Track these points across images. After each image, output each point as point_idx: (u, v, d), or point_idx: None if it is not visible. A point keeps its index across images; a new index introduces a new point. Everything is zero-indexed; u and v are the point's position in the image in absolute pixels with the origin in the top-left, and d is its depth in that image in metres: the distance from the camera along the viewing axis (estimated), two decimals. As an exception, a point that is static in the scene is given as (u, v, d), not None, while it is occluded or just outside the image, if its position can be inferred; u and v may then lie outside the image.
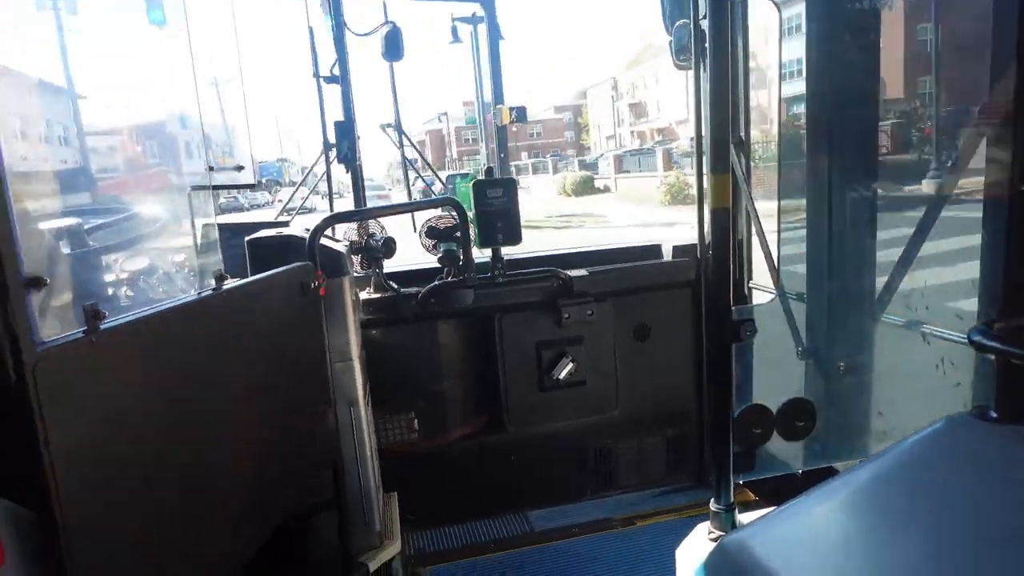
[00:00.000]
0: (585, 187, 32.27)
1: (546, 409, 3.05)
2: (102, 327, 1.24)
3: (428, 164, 3.42)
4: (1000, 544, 0.88)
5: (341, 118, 2.90)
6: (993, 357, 1.09)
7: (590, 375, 3.05)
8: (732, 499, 1.68)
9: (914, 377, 2.10)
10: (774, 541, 1.08)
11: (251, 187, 2.12)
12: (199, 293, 1.58)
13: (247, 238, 2.21)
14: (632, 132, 58.94)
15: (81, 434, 1.19)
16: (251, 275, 2.16)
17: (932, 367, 1.91)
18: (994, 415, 1.05)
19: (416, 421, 2.93)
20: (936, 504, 0.98)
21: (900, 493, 1.04)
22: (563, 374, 3.01)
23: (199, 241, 2.19)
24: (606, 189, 32.51)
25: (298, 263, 2.06)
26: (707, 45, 2.12)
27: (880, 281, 2.33)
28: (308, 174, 3.20)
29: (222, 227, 2.53)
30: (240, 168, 1.94)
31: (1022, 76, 1.80)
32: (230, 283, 1.71)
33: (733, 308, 1.62)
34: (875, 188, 2.59)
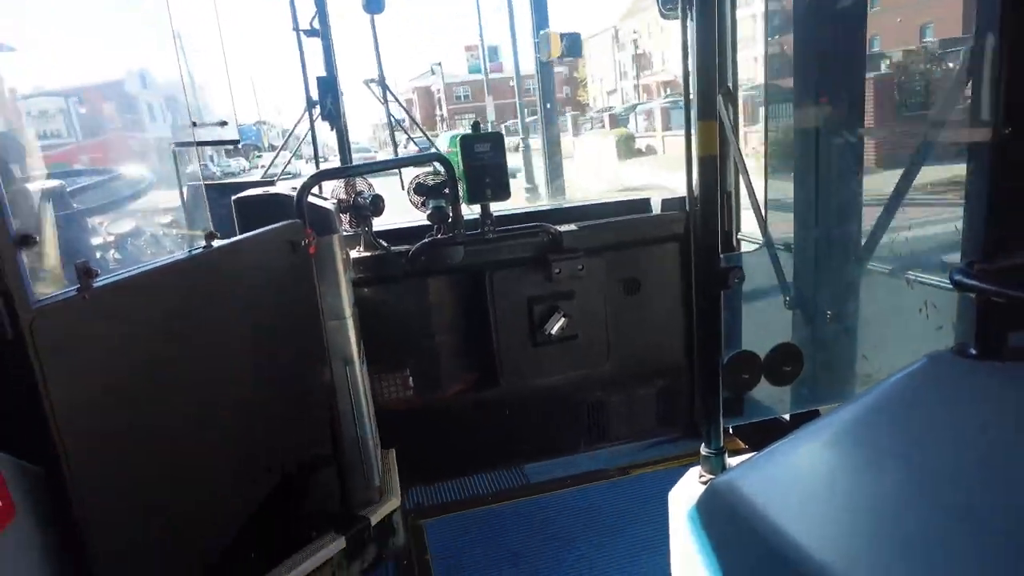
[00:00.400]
0: (628, 149, 24.83)
1: (539, 363, 3.08)
2: (95, 285, 1.24)
3: (415, 122, 3.37)
4: (981, 478, 0.91)
5: (323, 73, 2.84)
6: (973, 296, 1.12)
7: (582, 329, 3.09)
8: (722, 443, 1.73)
9: (898, 321, 2.15)
10: (761, 481, 1.12)
11: (235, 143, 2.09)
12: (189, 251, 1.57)
13: (234, 197, 2.19)
14: (636, 86, 53.56)
15: (82, 390, 1.20)
16: (240, 234, 2.15)
17: (915, 311, 1.95)
18: (973, 352, 1.08)
19: (411, 378, 2.96)
20: (917, 440, 1.02)
21: (882, 431, 1.08)
22: (555, 329, 3.03)
23: (186, 201, 2.16)
24: (650, 150, 25.56)
25: (287, 221, 2.05)
26: None
27: (866, 229, 2.36)
28: (290, 135, 3.15)
29: (208, 187, 2.51)
30: (224, 123, 1.91)
31: (1006, 20, 1.79)
32: (220, 242, 1.70)
33: (721, 256, 1.64)
34: (861, 136, 2.59)
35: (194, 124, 1.74)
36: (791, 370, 1.89)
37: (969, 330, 1.15)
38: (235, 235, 2.10)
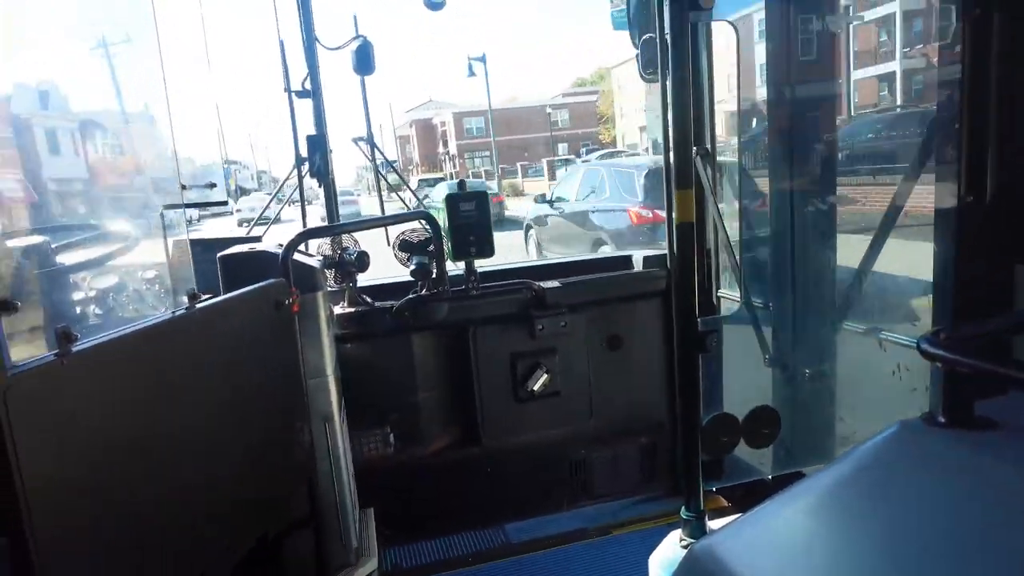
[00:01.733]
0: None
1: (521, 420, 3.07)
2: (74, 349, 1.24)
3: (402, 178, 3.43)
4: (950, 545, 0.93)
5: (313, 132, 2.90)
6: (939, 365, 1.15)
7: (564, 385, 3.09)
8: (702, 506, 1.73)
9: (873, 383, 2.18)
10: (742, 546, 1.12)
11: (223, 204, 2.12)
12: (172, 312, 1.58)
13: (219, 254, 2.20)
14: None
15: (54, 458, 1.18)
16: (224, 291, 2.15)
17: (889, 373, 1.99)
18: (941, 420, 1.11)
19: (392, 435, 2.92)
20: (891, 508, 1.04)
21: (858, 496, 1.10)
22: (538, 385, 3.03)
23: (171, 258, 2.17)
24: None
25: (271, 280, 2.06)
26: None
27: (840, 291, 2.42)
28: (280, 188, 3.18)
29: (194, 243, 2.52)
30: (212, 185, 1.94)
31: (967, 93, 1.90)
32: (203, 302, 1.71)
33: (699, 319, 1.67)
34: (834, 200, 2.68)
35: (183, 187, 1.77)
36: (769, 433, 1.91)
37: (940, 396, 1.18)
38: (220, 292, 2.11)
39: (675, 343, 1.85)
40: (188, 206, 1.79)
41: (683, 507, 1.74)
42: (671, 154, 2.29)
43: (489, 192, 3.21)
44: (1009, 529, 0.89)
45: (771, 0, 2.71)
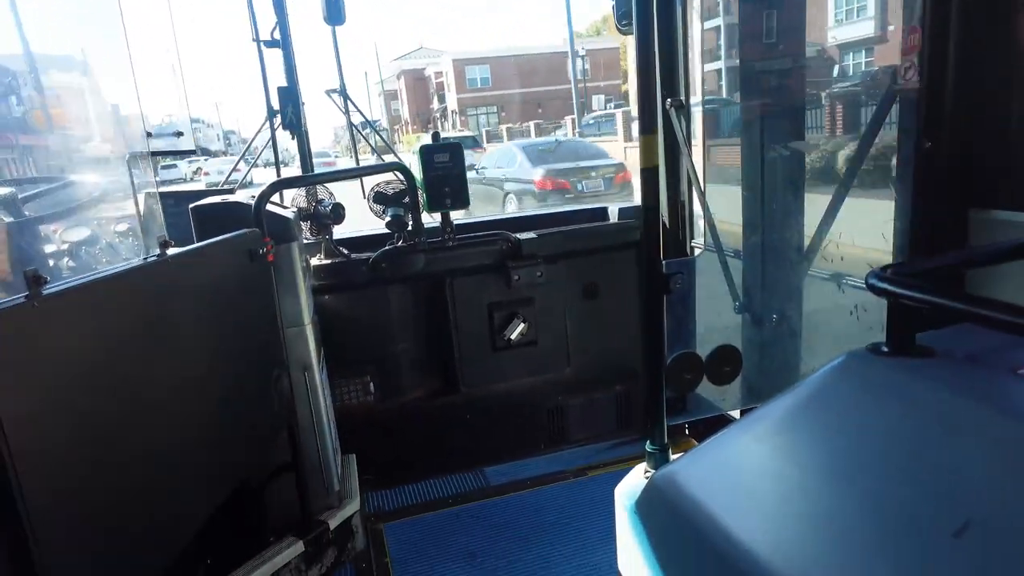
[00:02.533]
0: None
1: (499, 369, 3.14)
2: (44, 292, 1.25)
3: (378, 133, 3.41)
4: (895, 466, 1.00)
5: (284, 83, 2.86)
6: (884, 298, 1.21)
7: (541, 335, 3.15)
8: (666, 440, 1.81)
9: (833, 323, 2.26)
10: (699, 473, 1.20)
11: (191, 153, 2.10)
12: (144, 259, 1.59)
13: (191, 205, 2.20)
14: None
15: (29, 401, 1.21)
16: (197, 242, 2.16)
17: (847, 313, 2.07)
18: (885, 349, 1.18)
19: (372, 384, 2.99)
20: (837, 431, 1.11)
21: (806, 424, 1.17)
22: (515, 334, 3.10)
23: (142, 209, 2.17)
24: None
25: (245, 230, 2.07)
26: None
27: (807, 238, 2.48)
28: (251, 143, 3.15)
29: (164, 195, 2.51)
30: (179, 134, 1.93)
31: (927, 39, 1.92)
32: (175, 250, 1.72)
33: (664, 261, 1.72)
34: (802, 148, 2.72)
35: (149, 135, 1.75)
36: (730, 370, 1.98)
37: None
38: (193, 243, 2.11)
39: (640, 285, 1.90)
40: (155, 154, 1.78)
41: (648, 441, 1.82)
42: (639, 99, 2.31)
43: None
44: (940, 449, 0.96)
45: None
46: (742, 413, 2.47)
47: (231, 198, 2.33)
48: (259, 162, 3.32)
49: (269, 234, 2.17)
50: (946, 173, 1.90)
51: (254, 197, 2.25)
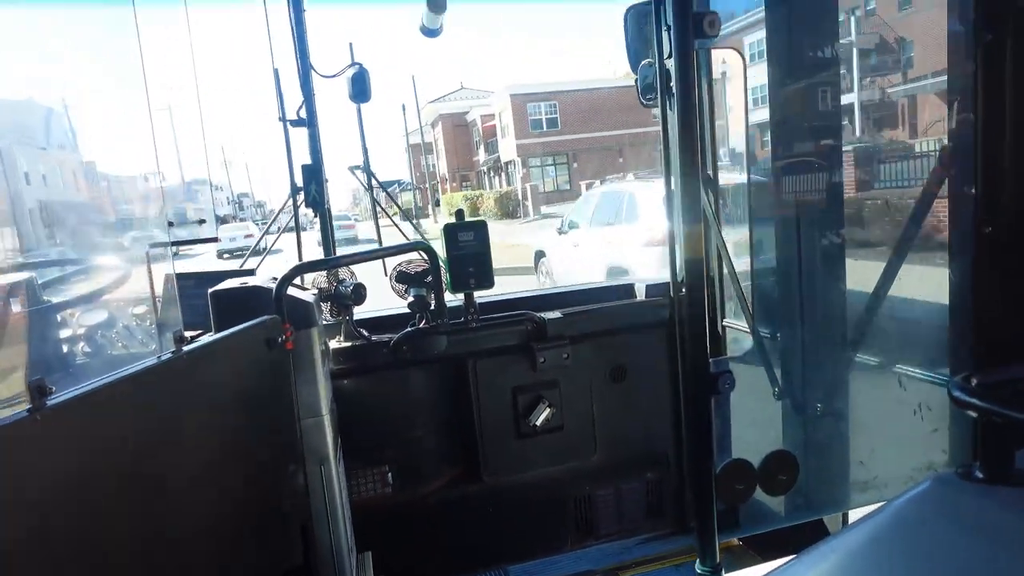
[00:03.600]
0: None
1: (524, 456, 2.97)
2: (49, 403, 1.16)
3: (400, 208, 3.38)
4: None
5: (308, 161, 2.85)
6: (974, 413, 1.08)
7: (568, 419, 3.00)
8: (718, 560, 1.64)
9: (890, 421, 2.10)
10: None
11: (214, 240, 2.05)
12: (158, 357, 1.50)
13: (210, 290, 2.13)
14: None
15: (30, 522, 1.10)
16: (215, 328, 2.07)
17: (909, 411, 1.91)
18: (979, 475, 1.03)
19: (389, 474, 2.83)
20: (927, 571, 0.96)
21: (892, 559, 1.01)
22: (540, 419, 2.94)
23: (159, 295, 2.10)
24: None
25: (264, 317, 1.99)
26: (673, 86, 2.14)
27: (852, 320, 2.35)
28: (275, 219, 3.13)
29: (183, 277, 2.45)
30: (202, 222, 1.88)
31: (982, 119, 1.85)
32: (191, 344, 1.63)
33: (711, 361, 1.60)
34: (842, 224, 2.63)
35: (170, 224, 1.70)
36: (786, 479, 1.82)
37: (965, 438, 1.10)
38: (211, 330, 2.03)
39: (681, 383, 1.76)
40: (176, 243, 1.72)
41: (697, 561, 1.65)
42: (674, 184, 2.24)
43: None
44: None
45: (773, 26, 2.67)
46: (797, 528, 2.26)
47: (251, 281, 2.27)
48: (273, 228, 3.26)
49: (289, 319, 2.09)
50: (1007, 257, 1.78)
51: (275, 279, 2.18)
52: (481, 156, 37.13)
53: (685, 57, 1.87)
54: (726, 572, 1.63)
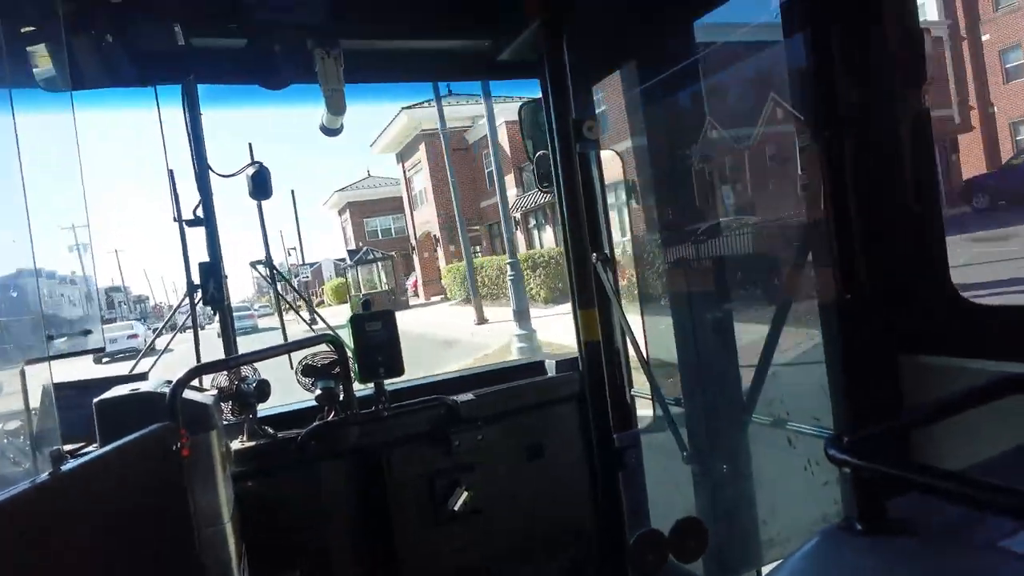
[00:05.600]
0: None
1: (442, 544, 2.88)
2: None
3: (306, 300, 3.33)
4: None
5: (206, 259, 2.78)
6: (848, 469, 1.17)
7: (486, 501, 2.95)
8: (636, 635, 1.65)
9: (787, 478, 2.22)
10: None
11: (100, 351, 1.94)
12: (31, 482, 1.38)
13: (95, 400, 2.00)
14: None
15: None
16: (101, 441, 1.94)
17: (801, 468, 2.03)
18: (859, 527, 1.12)
19: (300, 580, 2.65)
20: None
21: None
22: (459, 504, 2.88)
23: (36, 409, 1.94)
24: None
25: (156, 425, 1.88)
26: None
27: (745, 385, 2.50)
28: (171, 316, 2.99)
29: (61, 387, 2.26)
30: (87, 332, 1.78)
31: (830, 200, 2.08)
32: (71, 462, 1.51)
33: (615, 437, 1.66)
34: (728, 291, 2.83)
35: (50, 337, 1.60)
36: (696, 546, 1.87)
37: (850, 491, 1.19)
38: (96, 443, 1.89)
39: (590, 458, 1.80)
40: (55, 357, 1.61)
41: None
42: (570, 263, 2.36)
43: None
44: None
45: (650, 134, 2.94)
46: None
47: (142, 387, 2.14)
48: (166, 329, 3.12)
49: (185, 425, 1.98)
50: (870, 321, 1.96)
51: (169, 383, 2.07)
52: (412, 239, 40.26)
53: (568, 160, 2.01)
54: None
